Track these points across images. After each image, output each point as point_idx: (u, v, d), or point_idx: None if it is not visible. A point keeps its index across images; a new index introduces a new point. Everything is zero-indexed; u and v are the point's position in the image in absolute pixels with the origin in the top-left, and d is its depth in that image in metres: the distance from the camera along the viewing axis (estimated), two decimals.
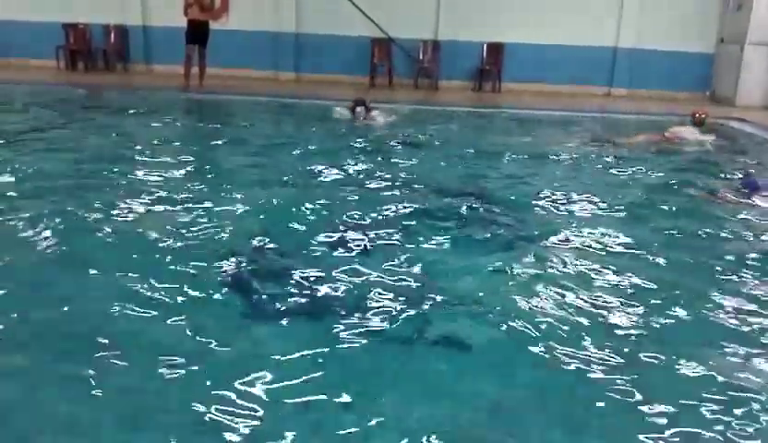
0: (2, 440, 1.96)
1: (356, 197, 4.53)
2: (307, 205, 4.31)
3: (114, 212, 3.99)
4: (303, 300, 2.90)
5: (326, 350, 2.48)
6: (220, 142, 6.58)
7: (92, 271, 3.09)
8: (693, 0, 12.26)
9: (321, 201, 4.35)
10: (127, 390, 2.20)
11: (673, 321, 2.85)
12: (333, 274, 3.15)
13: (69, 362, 2.37)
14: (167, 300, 2.82)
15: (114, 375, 2.28)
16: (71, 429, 2.02)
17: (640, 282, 3.22)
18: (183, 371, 2.31)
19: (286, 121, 8.17)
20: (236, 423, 2.04)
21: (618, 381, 2.35)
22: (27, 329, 2.58)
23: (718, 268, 3.50)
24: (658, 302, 3.02)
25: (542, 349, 2.54)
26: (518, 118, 9.34)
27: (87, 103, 9.03)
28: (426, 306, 2.86)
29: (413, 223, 4.03)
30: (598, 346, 2.58)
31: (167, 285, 2.95)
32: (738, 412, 2.21)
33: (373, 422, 2.07)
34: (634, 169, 6.03)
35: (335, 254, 3.47)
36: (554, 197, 4.83)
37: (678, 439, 2.06)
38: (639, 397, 2.25)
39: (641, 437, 2.06)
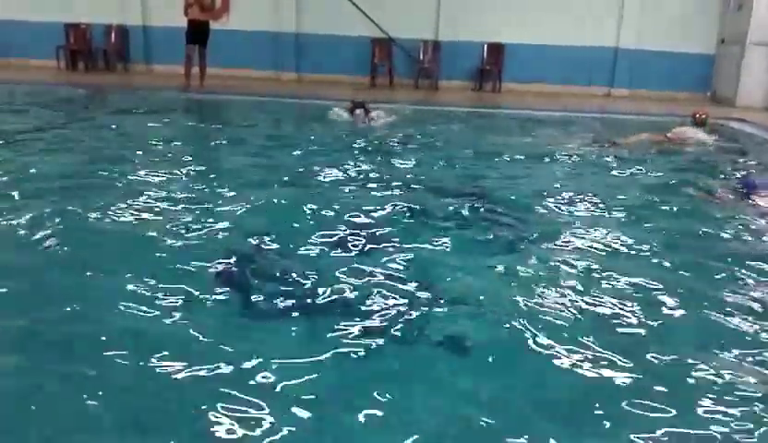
0: (2, 441, 1.96)
1: (357, 198, 4.53)
2: (308, 205, 4.31)
3: (114, 212, 3.98)
4: (303, 300, 2.89)
5: (326, 350, 2.48)
6: (220, 142, 6.58)
7: (92, 270, 3.09)
8: (694, 0, 12.26)
9: (321, 201, 4.35)
10: (127, 390, 2.19)
11: (673, 320, 2.85)
12: (333, 274, 3.15)
13: (69, 361, 2.37)
14: (167, 299, 2.82)
15: (114, 374, 2.27)
16: (71, 429, 2.02)
17: (639, 282, 3.21)
18: (183, 370, 2.30)
19: (287, 121, 8.17)
20: (236, 422, 2.03)
21: (620, 380, 2.35)
22: (26, 329, 2.58)
23: (718, 268, 3.49)
24: (658, 301, 3.02)
25: (542, 348, 2.54)
26: (518, 118, 9.35)
27: (87, 103, 9.04)
28: (427, 306, 2.85)
29: (413, 224, 4.03)
30: (599, 346, 2.58)
31: (167, 285, 2.95)
32: (739, 411, 2.21)
33: (373, 422, 2.07)
34: (635, 169, 6.02)
35: (335, 254, 3.47)
36: (555, 197, 4.82)
37: (678, 439, 2.06)
38: (639, 396, 2.25)
39: (641, 435, 2.06)
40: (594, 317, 2.85)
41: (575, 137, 7.81)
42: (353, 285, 3.04)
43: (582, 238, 3.90)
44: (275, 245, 3.55)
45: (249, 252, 3.43)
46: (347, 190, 4.74)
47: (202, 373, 2.29)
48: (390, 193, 4.75)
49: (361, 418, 2.09)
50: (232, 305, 2.84)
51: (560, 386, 2.34)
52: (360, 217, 4.08)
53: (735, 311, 2.97)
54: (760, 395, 2.30)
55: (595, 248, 3.74)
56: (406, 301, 2.90)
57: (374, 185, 4.94)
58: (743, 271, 3.47)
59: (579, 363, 2.47)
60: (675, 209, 4.67)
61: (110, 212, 3.98)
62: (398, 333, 2.63)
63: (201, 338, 2.53)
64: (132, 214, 3.99)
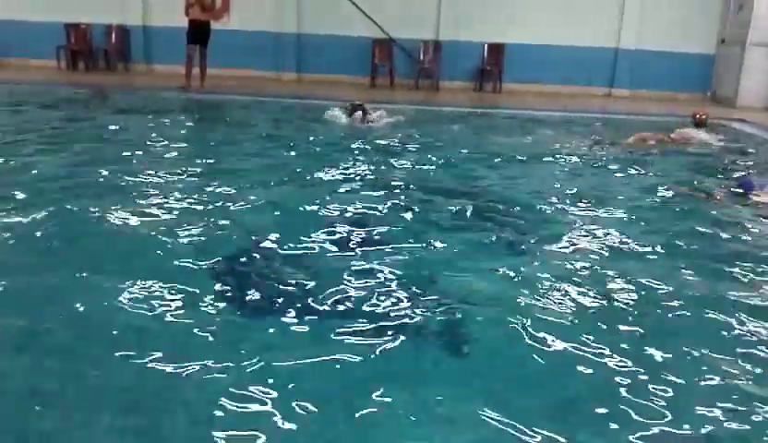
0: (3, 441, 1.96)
1: (357, 198, 4.53)
2: (308, 205, 4.31)
3: (115, 212, 3.98)
4: (303, 300, 2.89)
5: (327, 349, 2.48)
6: (220, 142, 6.58)
7: (93, 270, 3.09)
8: (694, 1, 12.26)
9: (322, 202, 4.35)
10: (128, 389, 2.19)
11: (674, 320, 2.86)
12: (334, 274, 3.15)
13: (70, 361, 2.37)
14: (168, 299, 2.82)
15: (115, 374, 2.28)
16: (72, 429, 2.02)
17: (640, 282, 3.22)
18: (184, 370, 2.30)
19: (287, 121, 8.17)
20: (236, 422, 2.04)
21: (621, 380, 2.35)
22: (26, 328, 2.58)
23: (718, 268, 3.51)
24: (659, 301, 3.02)
25: (543, 349, 2.54)
26: (519, 119, 9.34)
27: (88, 103, 9.03)
28: (429, 307, 2.85)
29: (414, 224, 4.03)
30: (601, 346, 2.58)
31: (167, 284, 2.95)
32: (741, 410, 2.21)
33: (374, 422, 2.07)
34: (636, 170, 6.03)
35: (336, 254, 3.47)
36: (556, 197, 4.82)
37: (679, 439, 2.06)
38: (640, 395, 2.26)
39: (641, 434, 2.06)
40: (595, 317, 2.85)
41: (576, 138, 7.81)
42: (353, 285, 3.04)
43: (583, 238, 3.90)
44: (275, 245, 3.55)
45: (250, 252, 3.44)
46: (347, 191, 4.74)
47: (203, 372, 2.29)
48: (390, 194, 4.75)
49: (362, 418, 2.09)
50: (233, 305, 2.84)
51: (562, 386, 2.34)
52: (360, 217, 4.08)
53: (735, 310, 2.97)
54: (760, 394, 2.30)
55: (596, 248, 3.74)
56: (407, 301, 2.90)
57: (374, 186, 4.94)
58: (742, 270, 3.48)
59: (580, 364, 2.47)
60: (675, 209, 4.68)
61: (110, 212, 3.98)
62: (398, 333, 2.63)
63: (202, 338, 2.53)
64: (132, 214, 3.98)
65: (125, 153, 5.79)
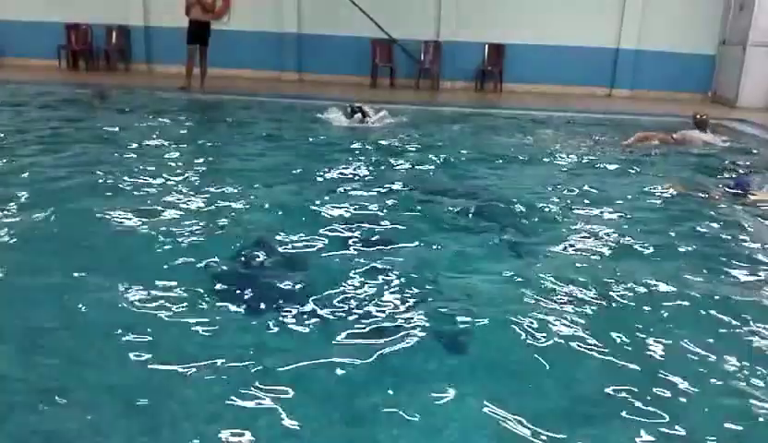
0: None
1: (358, 199, 4.53)
2: (309, 206, 4.31)
3: (115, 211, 3.98)
4: (304, 301, 2.89)
5: (328, 349, 2.48)
6: (221, 143, 6.58)
7: (93, 270, 3.09)
8: (695, 1, 12.26)
9: (323, 202, 4.35)
10: (128, 390, 2.19)
11: (675, 319, 2.86)
12: (335, 275, 3.15)
13: (69, 361, 2.37)
14: (168, 299, 2.82)
15: (116, 374, 2.28)
16: (73, 429, 2.02)
17: (641, 281, 3.22)
18: (186, 370, 2.30)
19: (287, 121, 8.17)
20: (237, 422, 2.04)
21: (624, 379, 2.36)
22: (28, 328, 2.58)
23: (717, 267, 3.52)
24: (659, 300, 3.02)
25: (545, 348, 2.54)
26: (520, 119, 9.34)
27: (89, 103, 9.03)
28: (430, 307, 2.86)
29: (414, 225, 4.03)
30: (602, 346, 2.58)
31: (168, 284, 2.96)
32: (742, 409, 2.21)
33: (375, 423, 2.07)
34: (637, 170, 6.04)
35: (337, 255, 3.47)
36: (557, 198, 4.83)
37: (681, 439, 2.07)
38: (643, 394, 2.26)
39: (643, 435, 2.06)
40: (597, 316, 2.85)
41: (577, 138, 7.81)
42: (354, 285, 3.04)
43: (584, 238, 3.91)
44: (276, 246, 3.55)
45: (251, 252, 3.43)
46: (348, 191, 4.74)
47: (204, 372, 2.29)
48: (390, 194, 4.76)
49: (364, 418, 2.09)
50: (233, 305, 2.83)
51: (563, 387, 2.34)
52: (361, 218, 4.08)
53: (736, 309, 2.98)
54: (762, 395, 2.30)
55: (597, 248, 3.74)
56: (408, 301, 2.90)
57: (374, 187, 4.93)
58: (743, 270, 3.49)
59: (581, 363, 2.47)
60: (675, 209, 4.69)
61: (111, 212, 3.98)
62: (399, 333, 2.63)
63: (203, 337, 2.54)
64: (133, 214, 3.98)
65: (125, 153, 5.79)
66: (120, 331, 2.55)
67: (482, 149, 6.85)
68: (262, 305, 2.84)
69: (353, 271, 3.20)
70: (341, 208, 4.27)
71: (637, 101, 11.80)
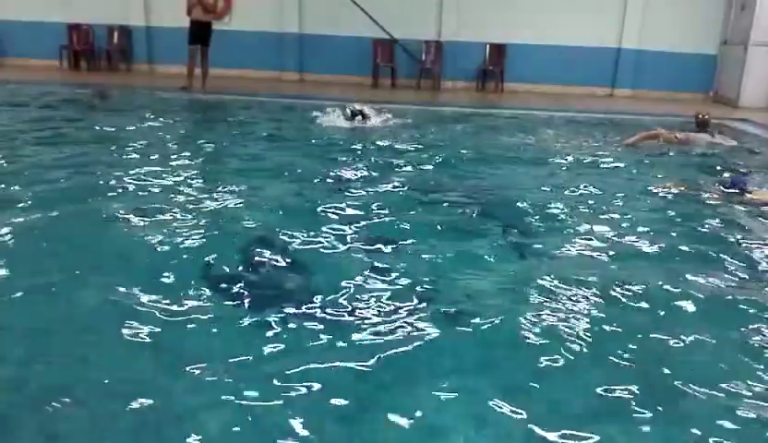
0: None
1: (359, 200, 4.53)
2: (311, 206, 4.31)
3: (116, 212, 3.99)
4: (305, 301, 2.89)
5: (329, 350, 2.48)
6: (222, 143, 6.58)
7: (94, 271, 3.10)
8: (696, 1, 12.25)
9: (324, 202, 4.35)
10: (130, 389, 2.19)
11: (677, 318, 2.86)
12: (336, 275, 3.15)
13: (69, 362, 2.37)
14: (168, 300, 2.82)
15: (114, 374, 2.28)
16: (76, 429, 2.02)
17: (643, 280, 3.22)
18: (184, 372, 2.30)
19: (289, 122, 8.17)
20: (238, 422, 2.04)
21: (627, 378, 2.36)
22: (30, 328, 2.58)
23: (719, 266, 3.53)
24: (661, 299, 3.02)
25: (546, 348, 2.54)
26: (521, 119, 9.34)
27: (90, 103, 9.04)
28: (433, 307, 2.85)
29: (416, 225, 4.02)
30: (605, 347, 2.58)
31: (169, 284, 2.96)
32: (744, 409, 2.21)
33: (376, 423, 2.07)
34: (638, 170, 6.04)
35: (338, 255, 3.46)
36: (558, 197, 4.82)
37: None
38: (643, 392, 2.26)
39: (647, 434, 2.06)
40: (600, 317, 2.85)
41: (579, 138, 7.81)
42: (355, 285, 3.03)
43: (586, 238, 3.90)
44: (278, 246, 3.55)
45: (252, 252, 3.43)
46: (349, 191, 4.74)
47: (204, 373, 2.29)
48: (392, 194, 4.75)
49: (363, 420, 2.09)
50: (234, 305, 2.84)
51: (565, 388, 2.34)
52: (362, 219, 4.07)
53: (737, 307, 2.98)
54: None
55: (599, 248, 3.74)
56: (410, 301, 2.90)
57: (375, 187, 4.93)
58: (742, 268, 3.50)
59: (585, 364, 2.47)
60: (675, 208, 4.69)
61: (112, 212, 3.98)
62: (402, 334, 2.63)
63: (204, 338, 2.54)
64: (134, 214, 3.98)
65: (125, 153, 5.80)
66: (120, 331, 2.55)
67: (483, 149, 6.85)
68: (263, 305, 2.83)
69: (354, 271, 3.20)
70: (342, 208, 4.27)
71: (638, 101, 11.79)
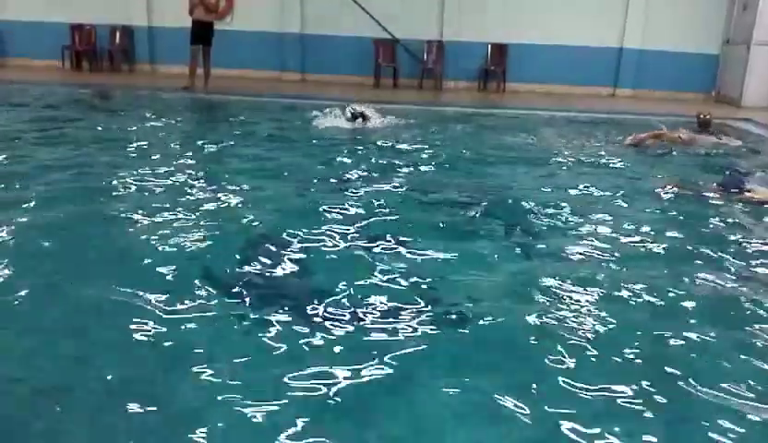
0: None
1: (361, 200, 4.52)
2: (312, 206, 4.31)
3: (118, 212, 3.99)
4: (307, 301, 2.88)
5: (332, 350, 2.48)
6: (224, 143, 6.58)
7: (96, 270, 3.10)
8: (698, 1, 12.23)
9: (326, 203, 4.35)
10: (128, 388, 2.19)
11: (680, 317, 2.85)
12: (338, 276, 3.15)
13: (69, 362, 2.38)
14: (170, 299, 2.82)
15: (115, 373, 2.28)
16: (78, 428, 2.02)
17: (646, 279, 3.22)
18: (184, 374, 2.30)
19: (291, 122, 8.16)
20: (236, 422, 2.03)
21: (632, 378, 2.35)
22: (32, 327, 2.58)
23: (719, 265, 3.54)
24: (665, 298, 3.02)
25: (548, 349, 2.54)
26: (523, 119, 9.33)
27: (92, 104, 9.05)
28: (437, 307, 2.85)
29: (418, 225, 4.02)
30: (607, 348, 2.58)
31: (170, 284, 2.96)
32: (745, 408, 2.20)
33: (378, 425, 2.07)
34: (640, 170, 6.04)
35: (340, 255, 3.46)
36: (561, 198, 4.82)
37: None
38: (646, 392, 2.25)
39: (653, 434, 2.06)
40: (603, 316, 2.84)
41: (581, 138, 7.79)
42: (358, 286, 3.03)
43: (590, 238, 3.90)
44: (279, 246, 3.55)
45: (253, 252, 3.43)
46: (351, 192, 4.73)
47: (205, 373, 2.29)
48: (395, 195, 4.75)
49: (364, 421, 2.08)
50: (236, 305, 2.83)
51: (570, 386, 2.33)
52: (364, 219, 4.07)
53: (738, 305, 2.98)
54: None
55: (602, 248, 3.73)
56: (413, 302, 2.90)
57: (377, 187, 4.93)
58: (744, 266, 3.51)
59: (588, 366, 2.46)
60: (676, 208, 4.70)
61: (112, 212, 3.99)
62: (404, 334, 2.63)
63: (204, 338, 2.53)
64: (135, 214, 3.99)
65: (126, 154, 5.80)
66: (120, 331, 2.56)
67: (485, 149, 6.84)
68: (264, 305, 2.83)
69: (356, 272, 3.20)
70: (343, 208, 4.27)
71: (640, 101, 11.77)
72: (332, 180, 5.12)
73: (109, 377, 2.25)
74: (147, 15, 12.99)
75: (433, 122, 8.60)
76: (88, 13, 12.83)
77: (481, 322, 2.75)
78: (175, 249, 3.40)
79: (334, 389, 2.21)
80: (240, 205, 4.26)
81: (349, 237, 3.71)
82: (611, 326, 2.76)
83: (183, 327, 2.61)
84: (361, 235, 3.75)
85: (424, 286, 3.07)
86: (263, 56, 12.74)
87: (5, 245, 3.36)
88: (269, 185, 4.90)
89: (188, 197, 4.42)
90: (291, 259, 3.36)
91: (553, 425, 2.09)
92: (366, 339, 2.58)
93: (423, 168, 5.76)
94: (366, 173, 5.37)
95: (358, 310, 2.80)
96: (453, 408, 2.16)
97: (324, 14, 12.60)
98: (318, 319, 2.71)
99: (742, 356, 2.56)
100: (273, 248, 3.51)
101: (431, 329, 2.67)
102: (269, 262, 3.32)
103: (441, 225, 4.06)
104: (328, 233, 3.76)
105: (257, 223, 3.91)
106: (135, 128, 7.10)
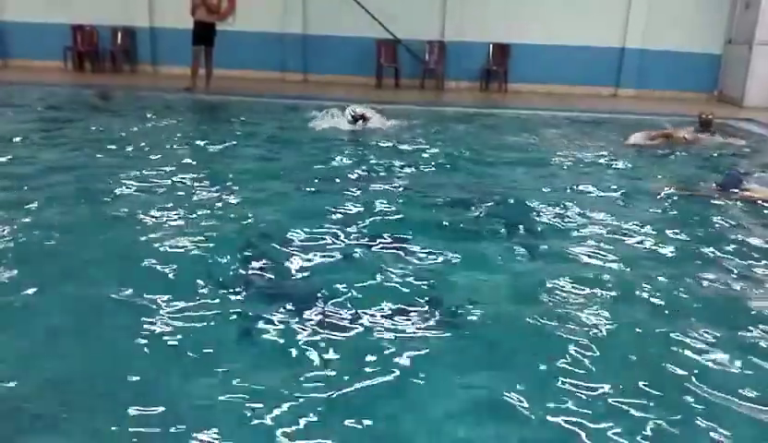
0: None
1: (363, 200, 4.53)
2: (314, 206, 4.32)
3: (119, 213, 4.00)
4: (309, 301, 2.89)
5: (333, 351, 2.48)
6: (226, 144, 6.58)
7: (96, 270, 3.10)
8: (700, 0, 12.20)
9: (328, 203, 4.35)
10: (128, 388, 2.20)
11: (684, 316, 2.85)
12: (340, 276, 3.15)
13: (70, 361, 2.38)
14: (171, 299, 2.82)
15: (114, 372, 2.28)
16: (81, 428, 2.03)
17: (650, 278, 3.23)
18: (187, 371, 2.31)
19: (293, 122, 8.17)
20: (235, 422, 2.04)
21: (636, 378, 2.36)
22: (35, 328, 2.59)
23: (720, 263, 3.55)
24: (669, 298, 3.02)
25: (550, 349, 2.54)
26: (525, 119, 9.33)
27: (94, 104, 9.06)
28: (437, 308, 2.85)
29: (420, 225, 4.02)
30: (614, 344, 2.58)
31: (172, 285, 2.96)
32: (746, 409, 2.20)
33: (379, 426, 2.07)
34: (641, 170, 6.04)
35: (342, 256, 3.47)
36: (564, 198, 4.82)
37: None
38: (649, 392, 2.25)
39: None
40: (605, 316, 2.85)
41: (583, 138, 7.79)
42: (360, 286, 3.03)
43: (592, 238, 3.90)
44: (280, 246, 3.55)
45: (254, 252, 3.44)
46: (353, 192, 4.74)
47: (205, 372, 2.29)
48: (396, 195, 4.75)
49: (365, 421, 2.09)
50: (237, 305, 2.84)
51: (571, 388, 2.34)
52: (366, 219, 4.08)
53: (741, 306, 2.98)
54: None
55: (604, 247, 3.73)
56: (416, 302, 2.90)
57: (379, 187, 4.94)
58: (745, 265, 3.51)
59: (591, 366, 2.46)
60: (678, 208, 4.71)
61: (114, 212, 4.00)
62: (405, 335, 2.63)
63: (205, 338, 2.54)
64: (135, 214, 4.00)
65: (128, 154, 5.81)
66: (122, 331, 2.56)
67: (487, 149, 6.84)
68: (265, 306, 2.84)
69: (358, 272, 3.20)
70: (345, 208, 4.27)
71: (642, 101, 11.75)
72: (333, 180, 5.12)
73: (109, 378, 2.26)
74: (149, 16, 12.99)
75: (435, 122, 8.60)
76: (89, 14, 12.83)
77: (483, 322, 2.76)
78: (176, 249, 3.41)
79: (335, 390, 2.21)
80: (241, 205, 4.26)
81: (350, 237, 3.72)
82: (612, 326, 2.76)
83: (184, 327, 2.61)
84: (362, 236, 3.75)
85: (425, 286, 3.08)
86: (265, 57, 12.73)
87: (7, 245, 3.37)
88: (270, 185, 4.90)
89: (189, 197, 4.43)
90: (292, 260, 3.36)
91: (555, 424, 2.09)
92: (366, 339, 2.58)
93: (424, 168, 5.76)
94: (367, 174, 5.37)
95: (359, 311, 2.80)
96: (455, 408, 2.16)
97: (326, 14, 12.59)
98: (319, 320, 2.72)
99: (743, 356, 2.56)
100: (274, 249, 3.51)
101: (433, 330, 2.67)
102: (269, 262, 3.33)
103: (443, 225, 4.06)
104: (329, 233, 3.76)
105: (257, 223, 3.92)
106: (136, 129, 7.11)
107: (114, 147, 6.09)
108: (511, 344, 2.62)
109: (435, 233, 3.90)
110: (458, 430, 2.06)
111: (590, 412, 2.17)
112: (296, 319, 2.71)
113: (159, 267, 3.16)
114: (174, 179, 4.91)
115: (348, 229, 3.84)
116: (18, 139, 6.21)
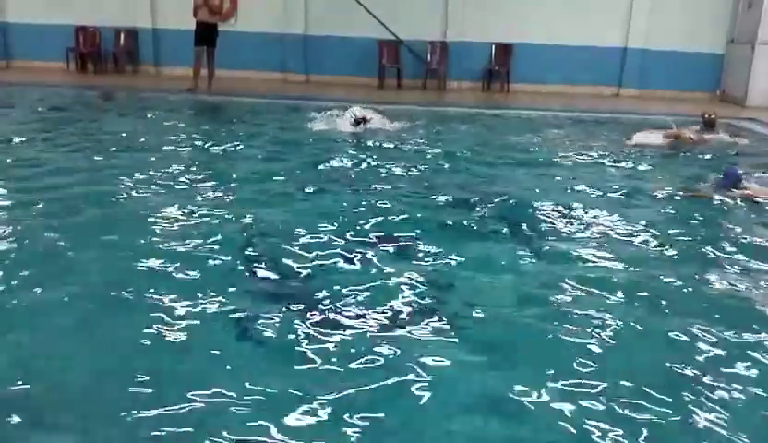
0: None
1: (365, 200, 4.52)
2: (315, 207, 4.31)
3: (121, 213, 4.00)
4: (309, 301, 2.88)
5: (336, 352, 2.47)
6: (227, 144, 6.58)
7: (97, 270, 3.10)
8: (703, 0, 12.19)
9: (329, 203, 4.35)
10: (128, 387, 2.20)
11: (689, 316, 2.85)
12: (342, 276, 3.15)
13: (71, 361, 2.38)
14: (171, 299, 2.82)
15: (114, 372, 2.28)
16: (83, 427, 2.02)
17: (653, 278, 3.22)
18: (190, 373, 2.30)
19: (295, 123, 8.17)
20: (236, 422, 2.04)
21: (638, 377, 2.34)
22: (38, 327, 2.59)
23: (720, 262, 3.55)
24: (673, 297, 3.02)
25: (551, 350, 2.53)
26: (527, 119, 9.32)
27: (96, 105, 9.08)
28: (440, 308, 2.85)
29: (422, 226, 4.02)
30: (616, 344, 2.57)
31: (172, 284, 2.96)
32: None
33: (381, 428, 2.07)
34: (642, 170, 6.04)
35: (344, 256, 3.46)
36: (566, 198, 4.82)
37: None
38: (651, 392, 2.25)
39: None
40: (608, 316, 2.84)
41: (586, 138, 7.78)
42: (362, 286, 3.03)
43: (594, 238, 3.90)
44: (281, 246, 3.55)
45: (255, 253, 3.44)
46: (354, 193, 4.74)
47: (206, 372, 2.29)
48: (398, 195, 4.75)
49: (366, 422, 2.08)
50: (237, 305, 2.84)
51: (577, 385, 2.33)
52: (367, 219, 4.07)
53: (742, 306, 2.97)
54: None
55: (606, 247, 3.73)
56: (419, 302, 2.90)
57: (381, 188, 4.93)
58: (741, 264, 3.52)
59: (594, 365, 2.46)
60: (679, 208, 4.71)
61: (115, 212, 4.00)
62: (410, 335, 2.62)
63: (205, 338, 2.54)
64: (136, 214, 4.00)
65: (129, 155, 5.81)
66: (123, 330, 2.56)
67: (489, 149, 6.84)
68: (266, 306, 2.84)
69: (360, 273, 3.20)
70: (347, 209, 4.27)
71: (645, 101, 11.74)
72: (335, 181, 5.12)
73: (110, 378, 2.26)
74: (151, 17, 13.01)
75: (437, 122, 8.59)
76: (92, 15, 12.85)
77: (486, 322, 2.75)
78: (178, 249, 3.41)
79: (337, 390, 2.21)
80: (243, 205, 4.26)
81: (352, 238, 3.71)
82: (615, 325, 2.76)
83: (185, 327, 2.61)
84: (364, 236, 3.75)
85: (428, 286, 3.07)
86: (267, 57, 12.73)
87: (9, 245, 3.37)
88: (271, 185, 4.90)
89: (191, 197, 4.43)
90: (293, 260, 3.36)
91: (558, 424, 2.08)
92: (368, 339, 2.58)
93: (426, 168, 5.75)
94: (368, 174, 5.37)
95: (361, 311, 2.80)
96: (458, 408, 2.16)
97: (327, 15, 12.59)
98: (320, 319, 2.71)
99: (745, 355, 2.56)
100: (275, 249, 3.51)
101: (435, 330, 2.67)
102: (271, 263, 3.32)
103: (445, 225, 4.05)
104: (331, 233, 3.76)
105: (259, 224, 3.92)
106: (138, 130, 7.11)
107: (115, 148, 6.10)
108: (514, 344, 2.61)
109: (437, 233, 3.90)
110: (461, 430, 2.05)
111: (593, 412, 2.17)
112: (298, 319, 2.70)
113: (160, 267, 3.16)
114: (176, 179, 4.91)
115: (350, 229, 3.84)
116: (20, 140, 6.22)
